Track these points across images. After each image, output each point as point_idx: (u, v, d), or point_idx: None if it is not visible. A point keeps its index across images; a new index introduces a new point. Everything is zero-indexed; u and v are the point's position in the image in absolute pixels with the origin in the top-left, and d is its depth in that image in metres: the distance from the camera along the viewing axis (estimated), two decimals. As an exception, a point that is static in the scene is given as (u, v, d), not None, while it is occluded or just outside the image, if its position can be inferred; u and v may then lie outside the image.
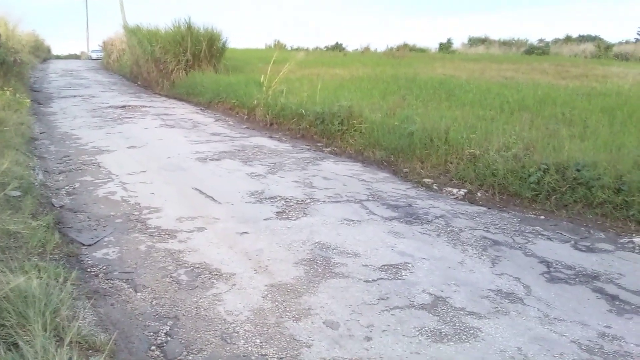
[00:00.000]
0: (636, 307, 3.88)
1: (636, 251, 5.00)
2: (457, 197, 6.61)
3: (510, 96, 10.90)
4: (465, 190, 6.73)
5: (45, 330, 2.84)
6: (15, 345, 2.74)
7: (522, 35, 49.24)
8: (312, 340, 3.31)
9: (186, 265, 4.39)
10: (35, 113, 13.29)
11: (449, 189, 6.84)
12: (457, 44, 41.90)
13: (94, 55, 46.79)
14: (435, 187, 6.97)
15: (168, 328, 3.42)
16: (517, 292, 4.06)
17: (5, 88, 11.75)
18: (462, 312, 3.72)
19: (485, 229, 5.47)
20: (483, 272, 4.40)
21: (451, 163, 7.35)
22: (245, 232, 5.15)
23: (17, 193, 5.57)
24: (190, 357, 3.11)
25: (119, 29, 30.20)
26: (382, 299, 3.87)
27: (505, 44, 40.42)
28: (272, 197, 6.30)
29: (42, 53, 38.40)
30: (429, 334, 3.42)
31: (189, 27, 19.19)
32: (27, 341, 2.72)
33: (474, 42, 42.44)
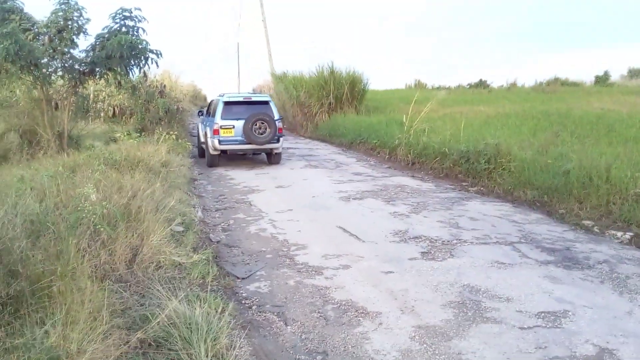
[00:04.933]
0: None
1: None
2: (622, 241, 6.00)
3: (682, 130, 9.80)
4: (631, 234, 6.09)
5: (207, 356, 3.02)
6: (181, 368, 2.94)
7: (692, 64, 44.22)
8: (465, 388, 3.14)
9: (333, 301, 4.44)
10: (194, 156, 14.55)
11: (613, 232, 6.24)
12: (615, 76, 38.74)
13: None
14: (597, 230, 6.39)
15: (317, 363, 3.46)
16: (702, 350, 3.54)
17: (171, 132, 13.06)
18: (632, 367, 3.33)
19: (658, 276, 4.89)
20: (656, 324, 3.92)
21: (614, 204, 6.72)
22: (390, 272, 5.11)
23: (181, 228, 6.09)
24: (339, 395, 3.11)
25: (267, 76, 32.33)
26: (540, 347, 3.59)
27: (672, 73, 36.69)
28: (416, 237, 6.21)
29: (199, 101, 42.20)
30: (597, 391, 3.09)
31: (332, 71, 20.02)
32: (191, 365, 2.92)
33: (634, 73, 39.04)
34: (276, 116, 12.20)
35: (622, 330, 3.83)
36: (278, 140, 12.17)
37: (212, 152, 12.32)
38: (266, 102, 12.61)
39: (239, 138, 12.01)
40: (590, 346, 3.60)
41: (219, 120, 11.96)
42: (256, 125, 11.75)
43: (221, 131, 11.93)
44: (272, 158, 12.72)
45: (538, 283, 4.73)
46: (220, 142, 12.04)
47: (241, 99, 12.64)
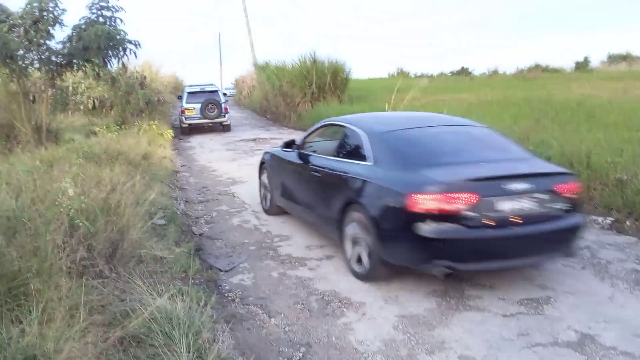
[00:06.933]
0: None
1: None
2: (602, 227, 6.06)
3: (661, 115, 9.89)
4: (611, 219, 6.15)
5: (189, 351, 2.98)
6: (163, 364, 2.90)
7: (670, 49, 44.59)
8: (448, 376, 3.15)
9: (316, 292, 4.43)
10: (176, 147, 14.43)
11: (593, 217, 6.29)
12: (595, 62, 39.09)
13: (227, 93, 50.08)
14: (577, 216, 6.45)
15: (301, 355, 3.44)
16: (681, 333, 3.59)
17: (152, 124, 12.93)
18: (613, 352, 3.37)
19: (637, 261, 4.95)
20: (636, 309, 3.97)
21: (594, 189, 6.77)
22: (374, 261, 5.09)
23: (163, 222, 6.01)
24: (323, 386, 3.09)
25: (249, 67, 32.08)
26: (522, 334, 3.62)
27: (651, 59, 37.04)
28: (400, 226, 6.19)
29: (181, 92, 41.78)
30: (579, 376, 3.11)
31: (314, 61, 19.88)
32: (172, 361, 2.87)
33: (614, 59, 39.42)
34: (222, 100, 18.30)
35: (604, 315, 3.86)
36: (224, 116, 18.15)
37: (182, 125, 18.14)
38: (215, 91, 18.93)
39: (198, 115, 17.72)
40: (572, 332, 3.64)
41: (184, 104, 18.02)
42: (208, 106, 17.61)
43: (186, 111, 17.86)
44: (224, 127, 18.59)
45: (520, 270, 4.75)
46: (186, 118, 17.87)
47: (199, 90, 18.66)
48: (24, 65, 10.43)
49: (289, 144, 6.51)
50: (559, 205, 4.26)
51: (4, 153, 10.03)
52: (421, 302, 4.16)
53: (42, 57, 10.57)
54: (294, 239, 5.93)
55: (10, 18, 10.11)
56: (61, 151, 8.22)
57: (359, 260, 4.62)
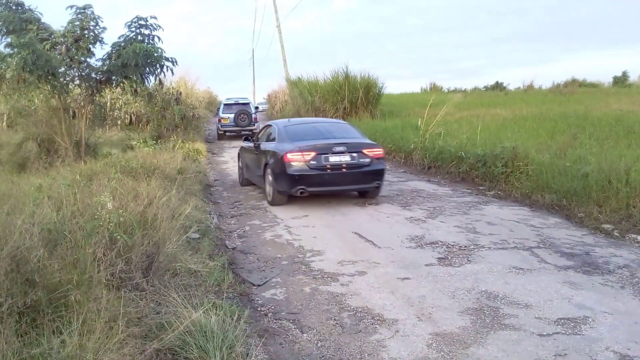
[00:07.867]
0: None
1: None
2: (643, 245, 5.89)
3: None
4: (653, 238, 5.98)
5: (223, 365, 3.00)
6: (197, 377, 2.94)
7: None
8: (483, 397, 3.09)
9: (349, 308, 4.41)
10: (209, 162, 14.64)
11: (633, 235, 6.13)
12: (634, 77, 38.20)
13: (260, 108, 50.74)
14: (617, 234, 6.29)
15: (333, 371, 3.43)
16: None
17: (186, 141, 13.15)
18: (655, 376, 3.25)
19: (680, 281, 4.79)
20: (679, 332, 3.83)
21: (634, 207, 6.60)
22: (407, 278, 5.06)
23: (197, 235, 6.11)
24: (355, 404, 3.07)
25: (282, 82, 32.43)
26: (559, 355, 3.53)
27: (693, 73, 35.96)
28: (433, 243, 6.15)
29: (215, 107, 42.39)
30: (620, 400, 3.02)
31: (347, 76, 20.01)
32: (207, 375, 2.90)
33: (654, 74, 38.42)
34: (252, 111, 21.81)
35: (644, 337, 3.75)
36: (254, 124, 21.01)
37: (218, 132, 22.10)
38: (247, 103, 22.54)
39: (232, 123, 21.18)
40: (611, 353, 3.53)
41: (221, 114, 21.83)
42: (240, 116, 20.95)
43: (222, 120, 21.57)
44: (253, 135, 21.20)
45: (557, 289, 4.65)
46: (222, 126, 21.67)
47: (233, 102, 22.24)
48: (65, 81, 10.75)
49: (247, 138, 10.66)
50: (366, 160, 8.28)
51: (46, 167, 10.35)
52: (455, 320, 4.10)
53: (83, 74, 10.91)
54: (326, 254, 5.94)
55: (52, 36, 10.47)
56: (100, 165, 8.42)
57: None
